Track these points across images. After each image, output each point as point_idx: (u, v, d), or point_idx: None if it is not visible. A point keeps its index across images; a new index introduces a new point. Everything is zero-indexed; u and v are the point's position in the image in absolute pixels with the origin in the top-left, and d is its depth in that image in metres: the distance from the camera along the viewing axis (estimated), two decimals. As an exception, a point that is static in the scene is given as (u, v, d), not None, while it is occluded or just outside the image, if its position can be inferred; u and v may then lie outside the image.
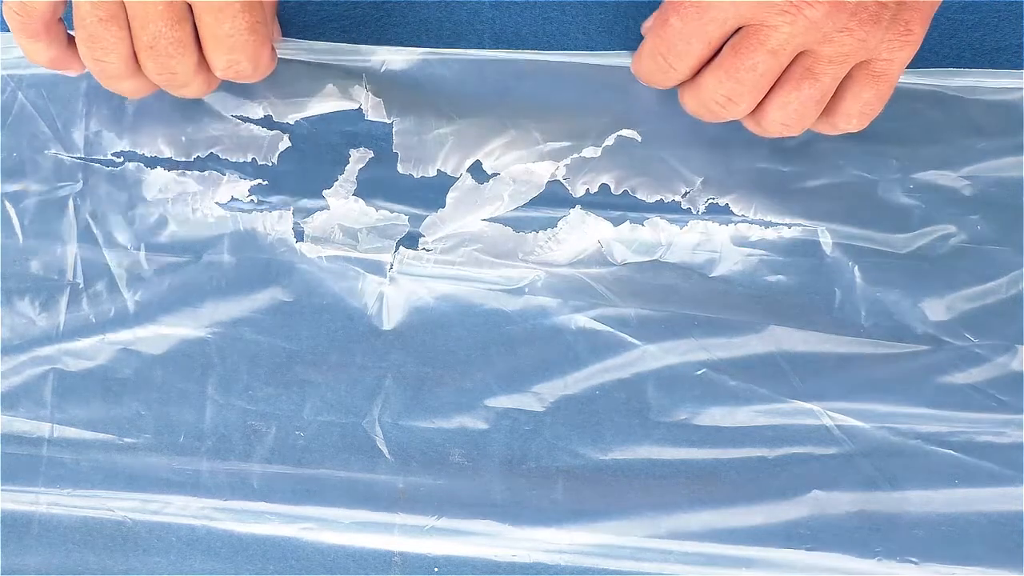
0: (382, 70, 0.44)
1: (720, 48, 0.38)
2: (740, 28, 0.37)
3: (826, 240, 0.44)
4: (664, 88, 0.41)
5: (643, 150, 0.44)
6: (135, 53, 0.38)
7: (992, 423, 0.43)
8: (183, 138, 0.44)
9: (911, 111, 0.44)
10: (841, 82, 0.38)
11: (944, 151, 0.44)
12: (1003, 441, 0.43)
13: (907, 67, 0.44)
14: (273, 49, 0.41)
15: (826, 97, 0.38)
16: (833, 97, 0.39)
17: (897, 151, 0.44)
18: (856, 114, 0.39)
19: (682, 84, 0.40)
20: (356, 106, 0.44)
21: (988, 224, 0.44)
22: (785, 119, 0.39)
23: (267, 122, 0.44)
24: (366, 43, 0.44)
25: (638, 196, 0.44)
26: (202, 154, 0.44)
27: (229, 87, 0.44)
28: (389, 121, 0.44)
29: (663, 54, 0.38)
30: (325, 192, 0.44)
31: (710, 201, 0.44)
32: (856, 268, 0.44)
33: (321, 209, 0.44)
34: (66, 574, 0.42)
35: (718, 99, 0.38)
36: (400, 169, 0.44)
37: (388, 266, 0.44)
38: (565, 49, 0.45)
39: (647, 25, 0.42)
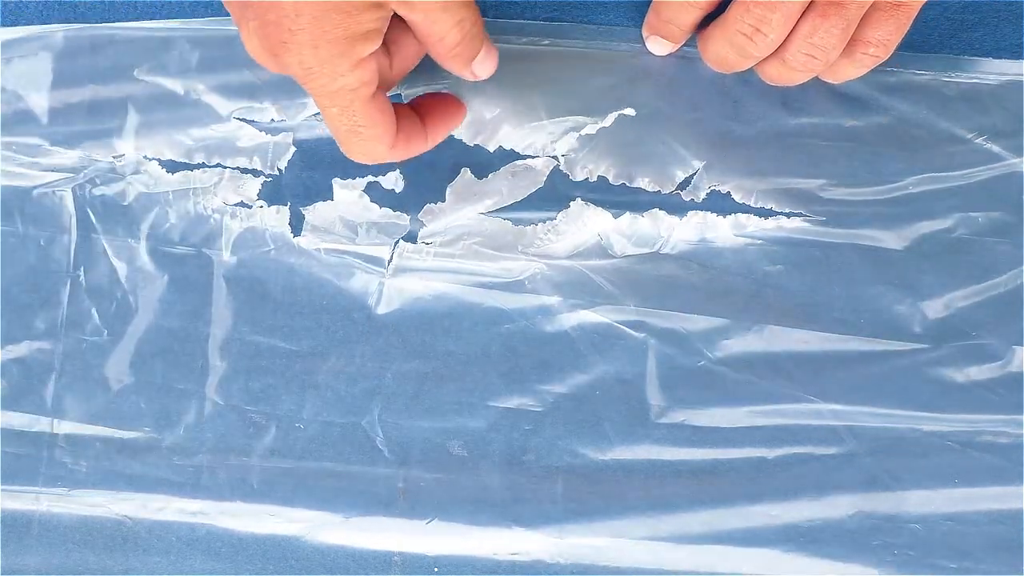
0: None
1: None
2: None
3: (826, 235, 0.44)
4: (683, 37, 0.41)
5: (645, 133, 0.44)
6: None
7: (992, 422, 0.43)
8: (189, 143, 0.44)
9: (912, 110, 0.44)
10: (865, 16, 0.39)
11: (945, 150, 0.44)
12: (1003, 440, 0.43)
13: (906, 64, 0.44)
14: (405, 142, 0.40)
15: (851, 27, 0.38)
16: (856, 31, 0.39)
17: (899, 150, 0.44)
18: (875, 42, 0.39)
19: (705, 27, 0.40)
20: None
21: (988, 222, 0.44)
22: (810, 50, 0.39)
23: (277, 124, 0.44)
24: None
25: (639, 184, 0.44)
26: (207, 161, 0.44)
27: (234, 87, 0.44)
28: (398, 92, 0.44)
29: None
30: (335, 180, 0.44)
31: (712, 188, 0.44)
32: (856, 264, 0.44)
33: (325, 199, 0.44)
34: (66, 574, 0.42)
35: (745, 29, 0.38)
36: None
37: (387, 260, 0.44)
38: (570, 13, 0.45)
39: None
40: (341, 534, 0.42)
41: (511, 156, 0.44)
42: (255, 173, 0.44)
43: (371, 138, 0.37)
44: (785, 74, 0.40)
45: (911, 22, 0.39)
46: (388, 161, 0.39)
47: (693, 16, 0.41)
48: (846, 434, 0.43)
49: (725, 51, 0.40)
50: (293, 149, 0.44)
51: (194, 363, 0.43)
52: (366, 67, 0.35)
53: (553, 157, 0.44)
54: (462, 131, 0.44)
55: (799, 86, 0.42)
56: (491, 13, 0.45)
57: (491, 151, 0.44)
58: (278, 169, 0.44)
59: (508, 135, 0.44)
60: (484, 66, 0.40)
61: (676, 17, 0.41)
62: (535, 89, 0.44)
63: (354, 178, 0.44)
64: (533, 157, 0.44)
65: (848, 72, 0.41)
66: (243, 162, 0.44)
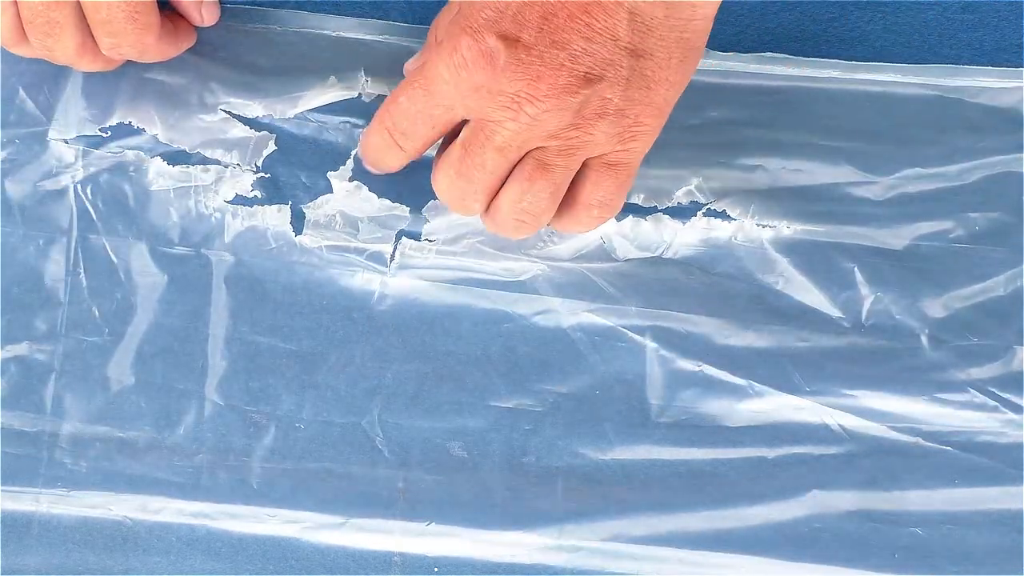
0: (381, 46, 0.45)
1: (449, 133, 0.38)
2: (468, 121, 0.36)
3: (826, 239, 0.44)
4: (392, 171, 0.41)
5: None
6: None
7: (992, 422, 0.43)
8: (170, 123, 0.44)
9: (911, 111, 0.44)
10: (579, 174, 0.37)
11: (944, 150, 0.44)
12: (1003, 440, 0.43)
13: (906, 65, 0.45)
14: (173, 33, 0.42)
15: (560, 190, 0.37)
16: (572, 189, 0.38)
17: (897, 150, 0.44)
18: (597, 204, 0.38)
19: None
20: (355, 94, 0.44)
21: (987, 223, 0.44)
22: (519, 215, 0.38)
23: (264, 119, 0.45)
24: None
25: (634, 200, 0.44)
26: (187, 147, 0.44)
27: (226, 80, 0.44)
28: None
29: (389, 130, 0.38)
30: (330, 174, 0.44)
31: (707, 207, 0.44)
32: (856, 267, 0.44)
33: (324, 194, 0.44)
34: (66, 574, 0.42)
35: (452, 198, 0.38)
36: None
37: (389, 257, 0.44)
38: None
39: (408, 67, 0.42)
40: (341, 534, 0.42)
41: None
42: (236, 168, 0.44)
43: (144, 25, 0.40)
44: (496, 231, 0.40)
45: (633, 178, 0.38)
46: (152, 56, 0.42)
47: (398, 160, 0.40)
48: (846, 434, 0.43)
49: (442, 199, 0.39)
50: (274, 147, 0.44)
51: (194, 363, 0.43)
52: None
53: None
54: None
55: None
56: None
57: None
58: (255, 165, 0.44)
59: None
60: (211, 10, 0.43)
61: (381, 157, 0.40)
62: None
63: (344, 164, 0.44)
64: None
65: (574, 230, 0.40)
66: (221, 155, 0.44)
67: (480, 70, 0.34)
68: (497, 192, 0.38)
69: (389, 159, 0.40)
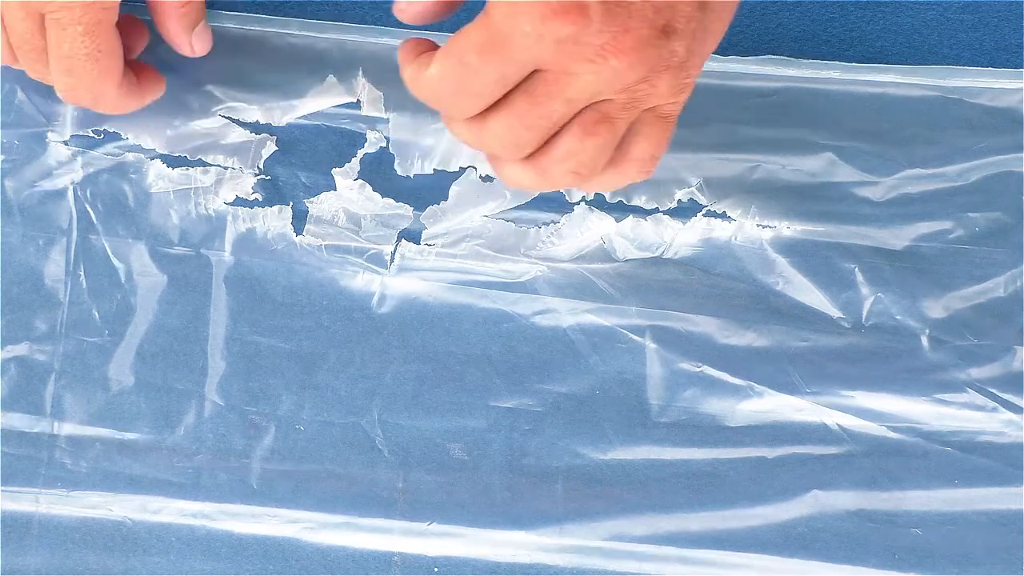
0: (380, 48, 0.45)
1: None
2: (536, 70, 0.33)
3: (826, 239, 0.44)
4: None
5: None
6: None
7: (992, 423, 0.43)
8: (168, 131, 0.44)
9: (911, 111, 0.44)
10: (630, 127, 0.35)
11: (944, 150, 0.44)
12: (1003, 441, 0.43)
13: (906, 65, 0.45)
14: (136, 86, 0.41)
15: (615, 143, 0.35)
16: (623, 144, 0.36)
17: (897, 150, 0.44)
18: (649, 158, 0.36)
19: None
20: (354, 99, 0.44)
21: (987, 223, 0.44)
22: (577, 167, 0.35)
23: (264, 121, 0.45)
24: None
25: (636, 202, 0.44)
26: (188, 154, 0.44)
27: (225, 84, 0.44)
28: (385, 116, 0.44)
29: (453, 93, 0.34)
30: (335, 171, 0.44)
31: (708, 207, 0.44)
32: (856, 267, 0.44)
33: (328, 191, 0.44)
34: (66, 574, 0.42)
35: (504, 145, 0.35)
36: (398, 170, 0.44)
37: (389, 258, 0.44)
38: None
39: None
40: (341, 534, 0.42)
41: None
42: (236, 170, 0.44)
43: (105, 69, 0.38)
44: (541, 185, 0.37)
45: (674, 128, 0.37)
46: (109, 105, 0.41)
47: (457, 118, 0.36)
48: (846, 434, 0.43)
49: (476, 146, 0.36)
50: (274, 148, 0.44)
51: (194, 363, 0.43)
52: None
53: None
54: (453, 155, 0.44)
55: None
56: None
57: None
58: (257, 168, 0.44)
59: None
60: (202, 39, 0.42)
61: (440, 108, 0.36)
62: None
63: (350, 161, 0.44)
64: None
65: (613, 185, 0.38)
66: (221, 159, 0.44)
67: (571, 22, 0.32)
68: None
69: (448, 115, 0.36)
